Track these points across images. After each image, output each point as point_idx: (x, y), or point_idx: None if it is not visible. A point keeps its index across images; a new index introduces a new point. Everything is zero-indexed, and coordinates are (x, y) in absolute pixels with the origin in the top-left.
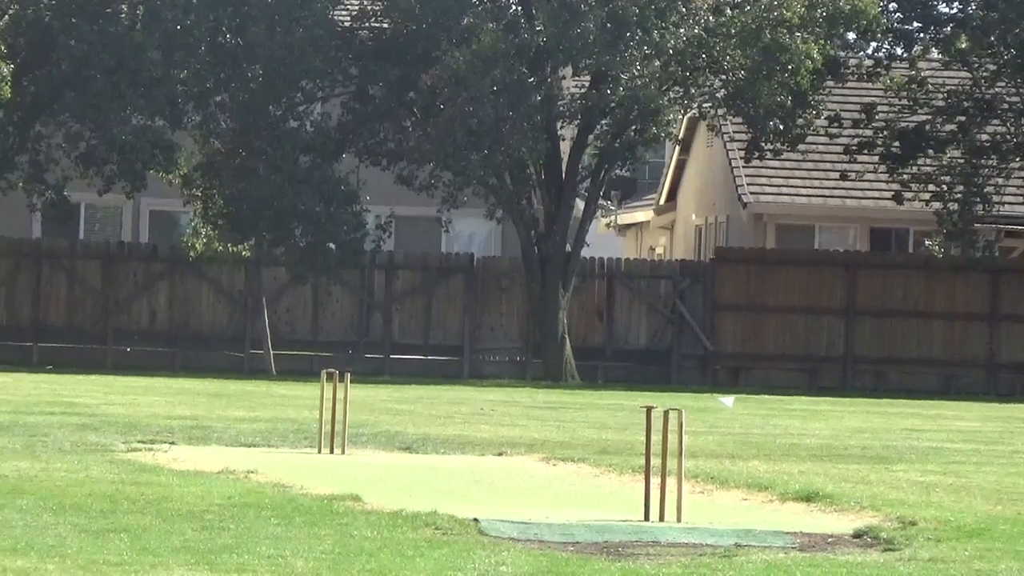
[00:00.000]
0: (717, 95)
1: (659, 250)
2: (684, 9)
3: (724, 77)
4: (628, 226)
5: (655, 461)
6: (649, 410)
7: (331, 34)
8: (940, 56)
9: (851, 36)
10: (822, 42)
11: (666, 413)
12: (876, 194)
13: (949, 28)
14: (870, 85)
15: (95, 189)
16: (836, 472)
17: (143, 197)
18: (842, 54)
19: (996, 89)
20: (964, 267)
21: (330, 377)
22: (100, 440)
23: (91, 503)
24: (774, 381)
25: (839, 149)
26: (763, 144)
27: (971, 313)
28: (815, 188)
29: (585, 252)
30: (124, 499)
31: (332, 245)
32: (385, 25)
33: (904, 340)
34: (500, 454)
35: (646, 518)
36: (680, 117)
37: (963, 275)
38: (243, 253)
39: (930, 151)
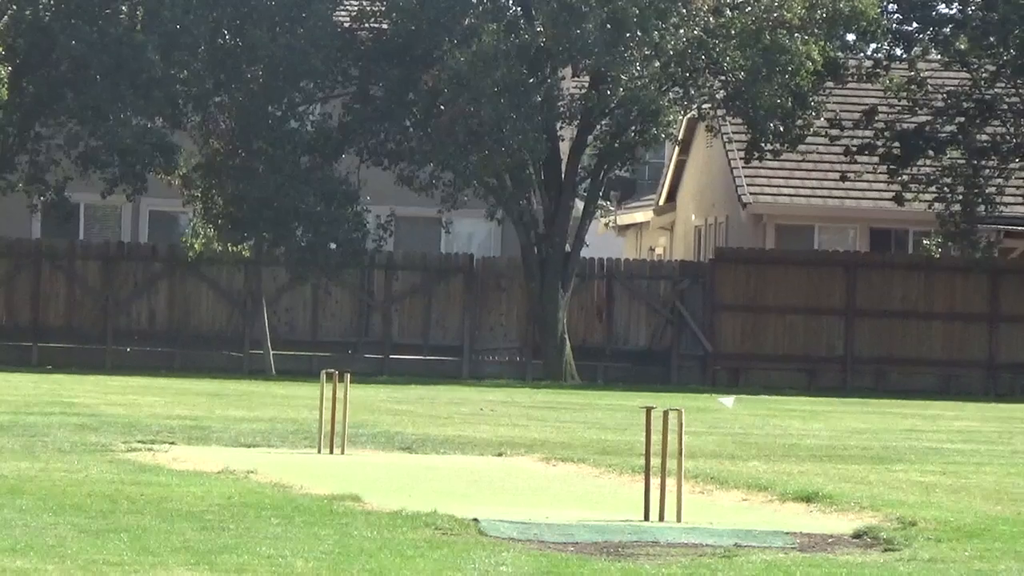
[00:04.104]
0: (717, 96)
1: (659, 250)
2: (684, 10)
3: (724, 78)
4: (628, 226)
5: (655, 461)
6: (649, 410)
7: (331, 34)
8: (940, 57)
9: (851, 37)
10: (822, 43)
11: (666, 413)
12: (875, 195)
13: (949, 29)
14: (870, 86)
15: (95, 190)
16: (836, 472)
17: (143, 197)
18: (842, 55)
19: (996, 90)
20: (964, 267)
21: (330, 377)
22: (100, 440)
23: (91, 503)
24: (774, 381)
25: (838, 149)
26: (763, 145)
27: (971, 313)
28: (815, 188)
29: (585, 252)
30: (124, 499)
31: (332, 245)
32: (385, 25)
33: (903, 340)
34: (500, 454)
35: (646, 518)
36: (680, 118)
37: (963, 275)
38: (243, 253)
39: (930, 152)
